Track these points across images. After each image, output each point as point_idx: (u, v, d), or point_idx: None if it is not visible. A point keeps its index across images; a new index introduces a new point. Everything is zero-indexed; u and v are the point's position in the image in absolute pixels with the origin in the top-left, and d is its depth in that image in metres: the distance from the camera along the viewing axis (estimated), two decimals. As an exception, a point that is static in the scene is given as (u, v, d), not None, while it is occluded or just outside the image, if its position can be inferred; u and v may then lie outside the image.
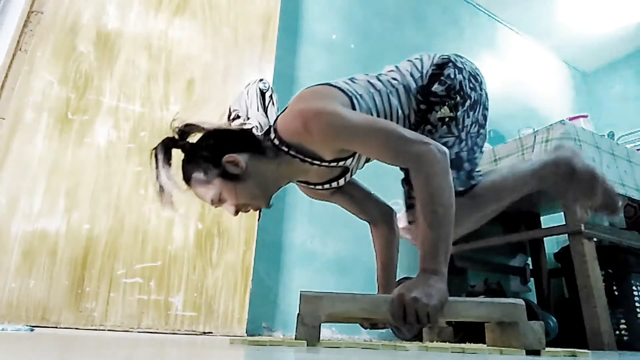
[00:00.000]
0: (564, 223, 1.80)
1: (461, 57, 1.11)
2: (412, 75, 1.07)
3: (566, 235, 1.80)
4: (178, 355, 0.59)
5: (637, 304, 1.94)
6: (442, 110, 1.02)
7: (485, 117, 1.10)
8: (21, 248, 1.40)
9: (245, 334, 1.61)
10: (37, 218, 1.44)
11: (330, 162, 0.99)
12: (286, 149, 0.97)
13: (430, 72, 1.06)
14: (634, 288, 1.96)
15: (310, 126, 0.90)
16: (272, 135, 0.99)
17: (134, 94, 1.70)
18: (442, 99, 1.02)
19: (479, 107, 1.07)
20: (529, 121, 3.24)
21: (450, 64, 1.06)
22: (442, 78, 1.04)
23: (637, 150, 2.22)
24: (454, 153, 0.99)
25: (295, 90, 2.28)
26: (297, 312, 0.82)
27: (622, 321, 1.93)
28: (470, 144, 1.04)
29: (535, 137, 1.87)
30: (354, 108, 0.96)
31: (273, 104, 1.86)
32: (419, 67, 1.09)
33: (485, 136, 1.10)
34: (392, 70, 1.11)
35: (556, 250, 2.58)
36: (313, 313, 0.81)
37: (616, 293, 1.97)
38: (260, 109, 1.81)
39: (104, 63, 1.68)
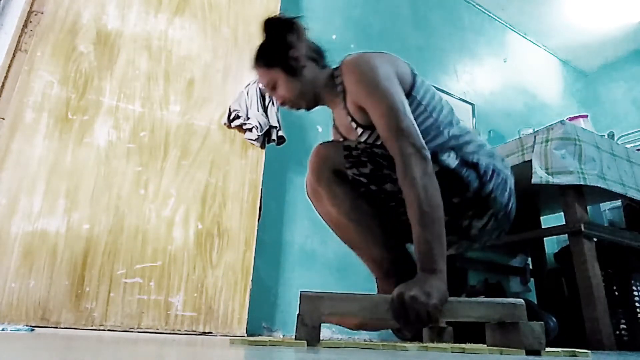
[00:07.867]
0: (564, 223, 1.80)
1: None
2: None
3: (566, 235, 1.80)
4: (178, 355, 0.59)
5: (637, 304, 1.94)
6: None
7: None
8: (21, 248, 1.40)
9: (245, 334, 1.61)
10: (37, 218, 1.44)
11: (348, 111, 1.08)
12: (336, 75, 1.13)
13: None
14: (634, 288, 1.96)
15: (354, 68, 1.04)
16: (337, 66, 1.14)
17: (134, 94, 1.70)
18: None
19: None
20: (529, 121, 3.25)
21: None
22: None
23: (637, 150, 2.22)
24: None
25: (295, 90, 2.28)
26: (297, 312, 0.82)
27: (622, 321, 1.93)
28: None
29: (535, 137, 1.87)
30: (414, 83, 1.06)
31: (273, 104, 1.86)
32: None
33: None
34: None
35: (556, 250, 2.58)
36: (313, 313, 0.81)
37: (616, 293, 1.97)
38: (260, 109, 1.81)
39: (104, 63, 1.68)
